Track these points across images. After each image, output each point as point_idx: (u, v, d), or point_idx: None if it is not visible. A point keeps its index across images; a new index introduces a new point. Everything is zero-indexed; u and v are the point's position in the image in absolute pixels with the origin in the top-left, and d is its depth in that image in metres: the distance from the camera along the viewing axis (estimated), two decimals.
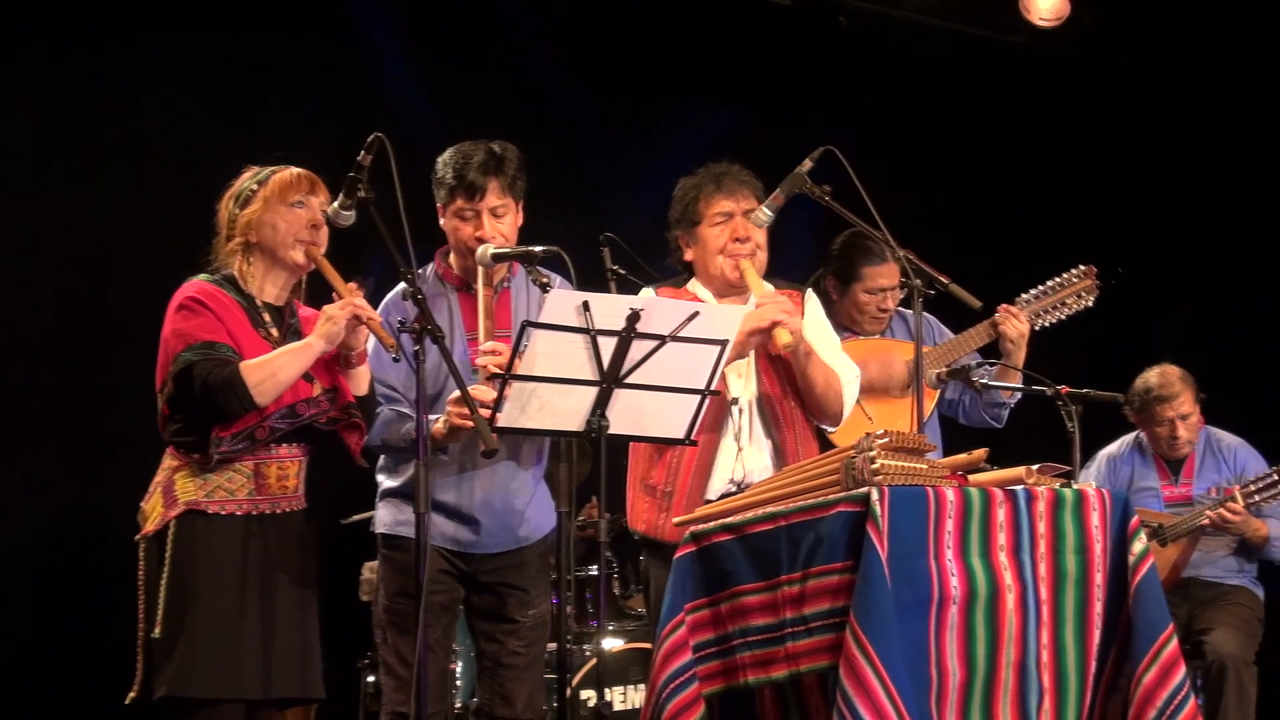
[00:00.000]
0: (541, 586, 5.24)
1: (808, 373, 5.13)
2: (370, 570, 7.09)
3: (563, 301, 4.43)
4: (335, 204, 4.62)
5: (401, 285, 4.84)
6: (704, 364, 4.61)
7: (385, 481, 5.23)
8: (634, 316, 4.44)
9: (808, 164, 5.10)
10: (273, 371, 4.49)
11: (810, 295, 5.36)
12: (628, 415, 4.59)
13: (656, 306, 4.52)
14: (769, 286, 5.15)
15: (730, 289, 5.26)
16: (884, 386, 5.84)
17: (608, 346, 4.47)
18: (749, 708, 4.46)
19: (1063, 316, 6.10)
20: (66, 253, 7.17)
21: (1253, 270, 8.59)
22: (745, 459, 5.18)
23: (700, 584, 4.34)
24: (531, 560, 5.18)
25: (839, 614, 4.02)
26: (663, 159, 8.19)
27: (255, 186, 4.68)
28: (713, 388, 4.67)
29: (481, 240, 5.03)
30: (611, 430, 4.57)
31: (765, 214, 5.14)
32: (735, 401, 5.14)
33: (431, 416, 4.79)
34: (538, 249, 4.90)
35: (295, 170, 4.73)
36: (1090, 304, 6.12)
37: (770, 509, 4.27)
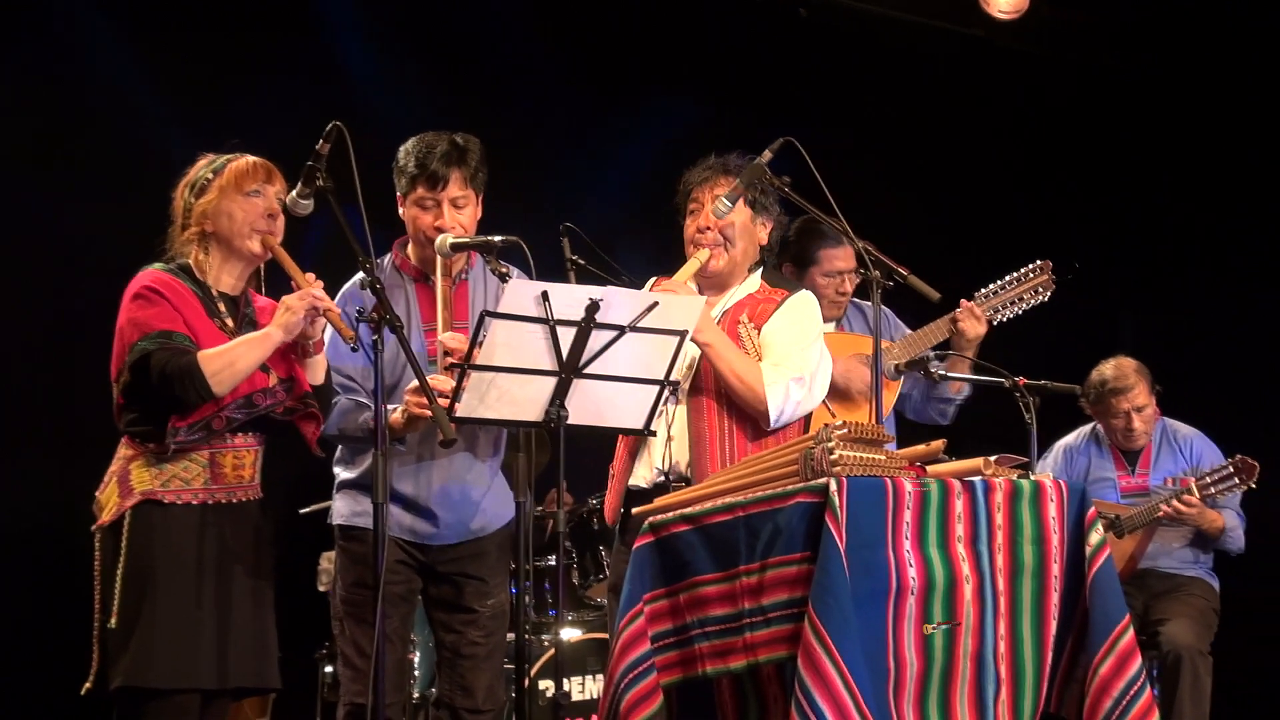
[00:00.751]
0: (500, 576, 5.24)
1: (715, 368, 5.13)
2: (328, 561, 7.08)
3: (521, 292, 4.43)
4: (293, 193, 4.61)
5: (359, 275, 4.82)
6: (663, 354, 4.62)
7: (342, 473, 5.22)
8: (593, 307, 4.45)
9: (767, 155, 5.11)
10: (230, 361, 4.48)
11: (790, 301, 5.31)
12: (587, 405, 4.59)
13: (615, 297, 4.52)
14: (693, 285, 5.18)
15: (706, 279, 5.27)
16: (844, 386, 5.83)
17: (566, 337, 4.47)
18: (707, 698, 4.46)
19: (1019, 311, 6.12)
20: (28, 245, 7.12)
21: (1211, 262, 8.64)
22: (675, 449, 5.20)
23: (659, 574, 4.35)
24: (490, 550, 5.17)
25: (797, 604, 4.02)
26: (622, 150, 8.22)
27: (211, 175, 4.66)
28: (672, 378, 4.68)
29: (441, 230, 5.03)
30: (570, 420, 4.56)
31: (724, 205, 5.14)
32: (678, 385, 5.12)
33: (390, 406, 4.78)
34: (497, 239, 4.90)
35: (251, 159, 4.71)
36: (1046, 299, 6.13)
37: (729, 499, 4.27)
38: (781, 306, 5.28)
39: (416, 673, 6.76)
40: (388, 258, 5.23)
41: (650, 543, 4.36)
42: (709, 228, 5.25)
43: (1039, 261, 6.12)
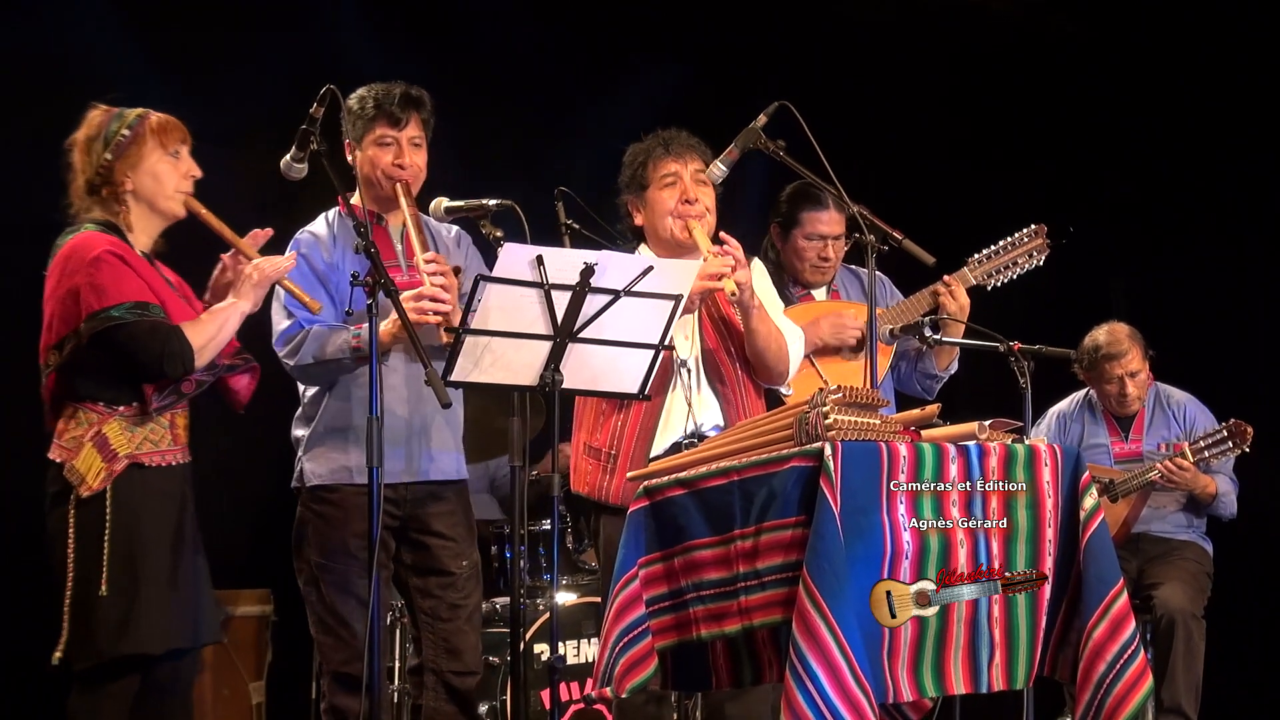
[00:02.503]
0: (469, 538, 5.26)
1: (754, 326, 5.12)
2: None
3: (516, 256, 4.42)
4: (287, 156, 4.60)
5: (313, 225, 4.99)
6: (658, 319, 4.62)
7: (305, 431, 5.23)
8: (588, 271, 4.45)
9: (762, 119, 5.11)
10: (213, 335, 4.54)
11: (756, 263, 5.33)
12: (582, 370, 4.59)
13: (610, 261, 4.52)
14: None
15: (680, 251, 5.24)
16: (837, 347, 5.83)
17: (561, 301, 4.47)
18: (702, 661, 4.47)
19: (1014, 276, 6.11)
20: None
21: (1203, 228, 8.62)
22: (696, 414, 5.18)
23: (653, 538, 4.35)
24: (455, 508, 5.18)
25: (792, 568, 4.02)
26: (615, 115, 8.20)
27: (126, 132, 4.59)
28: (666, 342, 4.67)
29: (401, 167, 5.09)
30: (565, 385, 4.57)
31: (720, 169, 5.14)
32: (684, 363, 5.13)
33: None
34: (491, 202, 4.91)
35: (168, 118, 4.68)
36: (1040, 263, 6.12)
37: (723, 464, 4.27)
38: (751, 273, 5.28)
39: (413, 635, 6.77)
40: (332, 212, 5.22)
41: (645, 507, 4.36)
42: (696, 199, 5.22)
43: (1033, 225, 6.11)
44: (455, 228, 5.36)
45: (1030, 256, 6.10)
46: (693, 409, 5.19)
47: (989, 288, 6.05)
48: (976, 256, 6.06)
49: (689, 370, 5.17)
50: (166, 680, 4.61)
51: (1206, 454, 6.70)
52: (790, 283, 6.01)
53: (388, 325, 4.85)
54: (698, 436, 5.12)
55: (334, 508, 5.08)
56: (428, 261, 4.91)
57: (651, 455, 5.14)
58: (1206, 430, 6.87)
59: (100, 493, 4.46)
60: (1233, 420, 6.71)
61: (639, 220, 5.33)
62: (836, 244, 6.01)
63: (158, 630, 4.47)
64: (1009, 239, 6.09)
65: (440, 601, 5.17)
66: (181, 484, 4.66)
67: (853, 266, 6.19)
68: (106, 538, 4.45)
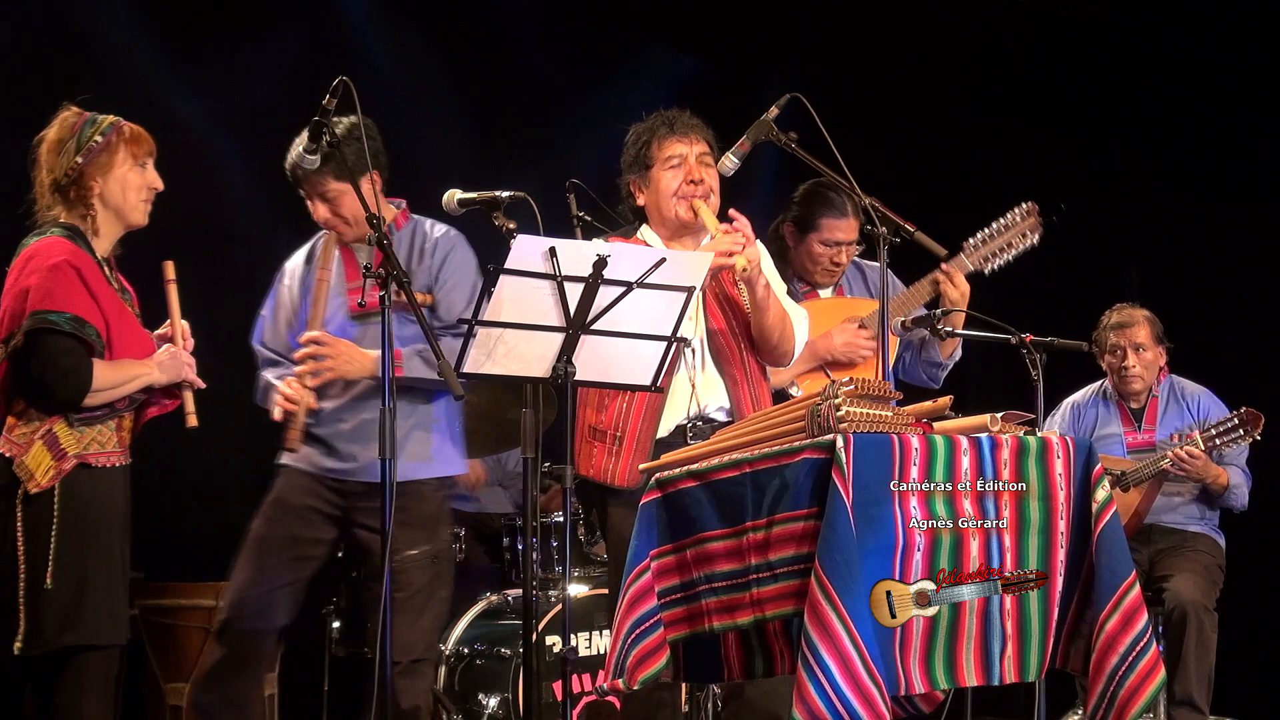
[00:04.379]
0: (413, 531, 5.35)
1: (764, 304, 5.13)
2: None
3: (529, 247, 4.43)
4: (300, 148, 4.62)
5: (300, 252, 5.28)
6: (670, 311, 4.62)
7: None
8: (601, 263, 4.45)
9: (774, 111, 5.11)
10: (117, 383, 4.65)
11: (760, 245, 5.35)
12: (594, 361, 4.60)
13: (623, 253, 4.53)
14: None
15: (683, 231, 5.26)
16: (847, 359, 5.86)
17: (574, 292, 4.47)
18: (713, 653, 4.48)
19: (1011, 258, 6.04)
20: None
21: (1220, 219, 8.62)
22: (700, 395, 5.20)
23: (665, 530, 4.35)
24: (407, 505, 5.22)
25: (804, 560, 4.03)
26: (626, 106, 8.21)
27: (99, 139, 4.67)
28: (680, 334, 4.68)
29: (328, 224, 5.37)
30: (578, 376, 4.58)
31: (732, 161, 5.15)
32: (687, 342, 5.12)
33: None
34: (504, 194, 4.91)
35: (138, 128, 4.77)
36: (1035, 242, 6.06)
37: (735, 456, 4.28)
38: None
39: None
40: (321, 235, 5.47)
41: (657, 499, 4.37)
42: (701, 179, 5.22)
43: (1024, 204, 6.06)
44: (445, 237, 5.48)
45: (1024, 236, 6.03)
46: (696, 390, 5.21)
47: (987, 271, 6.02)
48: (971, 241, 6.02)
49: (693, 351, 5.17)
50: (108, 671, 4.71)
51: (1218, 441, 6.70)
52: (795, 279, 6.02)
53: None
54: (702, 419, 5.16)
55: (282, 479, 5.41)
56: (305, 342, 5.19)
57: (657, 437, 5.17)
58: (1219, 419, 6.87)
59: (49, 489, 4.55)
60: (1244, 408, 6.70)
61: (641, 200, 5.33)
62: (850, 249, 6.02)
63: (105, 622, 4.58)
64: (1001, 221, 6.02)
65: (372, 594, 5.30)
66: (124, 484, 4.77)
67: (857, 259, 6.19)
68: (54, 533, 4.53)
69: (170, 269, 4.95)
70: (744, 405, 5.15)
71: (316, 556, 5.47)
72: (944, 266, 5.90)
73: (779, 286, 5.36)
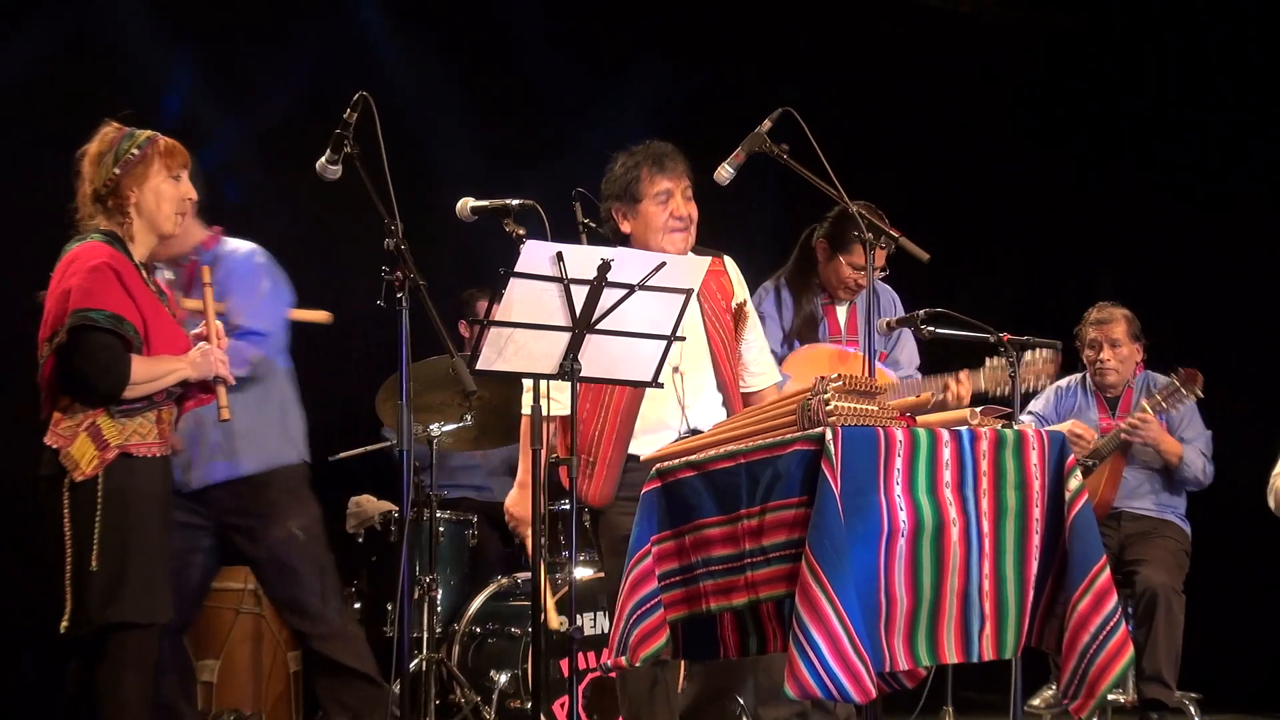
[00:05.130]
0: (272, 514, 5.58)
1: None
2: (355, 504, 7.11)
3: (538, 252, 4.44)
4: (322, 159, 4.63)
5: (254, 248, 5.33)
6: (669, 311, 4.64)
7: None
8: (605, 266, 4.47)
9: (767, 124, 5.12)
10: (153, 378, 4.66)
11: (735, 267, 5.42)
12: (599, 359, 4.61)
13: (626, 257, 4.55)
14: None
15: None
16: None
17: (580, 294, 4.48)
18: (710, 632, 4.49)
19: (1015, 388, 5.93)
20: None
21: (1191, 225, 8.62)
22: (690, 416, 5.30)
23: (665, 517, 4.37)
24: (244, 495, 5.45)
25: (795, 545, 4.04)
26: (628, 120, 8.22)
27: (135, 151, 4.72)
28: (678, 333, 4.70)
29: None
30: (584, 373, 4.59)
31: (728, 171, 5.16)
32: (675, 368, 5.17)
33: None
34: (514, 202, 4.92)
35: (173, 142, 4.80)
36: (1045, 385, 6.04)
37: (731, 447, 4.29)
38: (730, 271, 5.47)
39: (440, 608, 6.81)
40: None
41: (658, 488, 4.38)
42: (686, 215, 5.30)
43: (1048, 350, 5.97)
44: (236, 254, 5.61)
45: (1038, 378, 6.01)
46: (686, 410, 5.29)
47: (991, 394, 5.95)
48: (991, 363, 5.95)
49: (680, 375, 5.22)
50: (148, 650, 4.74)
51: (1165, 404, 6.72)
52: (819, 292, 6.08)
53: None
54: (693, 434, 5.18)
55: None
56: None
57: (642, 458, 5.16)
58: (1181, 408, 6.93)
59: (92, 478, 4.57)
60: (1182, 369, 6.73)
61: (627, 228, 5.37)
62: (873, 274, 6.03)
63: (144, 602, 4.61)
64: (1028, 356, 5.91)
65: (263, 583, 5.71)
66: (164, 473, 4.81)
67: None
68: (98, 518, 4.56)
69: (207, 273, 5.02)
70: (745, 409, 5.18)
71: (197, 564, 5.59)
72: (960, 375, 5.86)
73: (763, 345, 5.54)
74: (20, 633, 6.66)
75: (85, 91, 6.91)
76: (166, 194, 4.73)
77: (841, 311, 6.13)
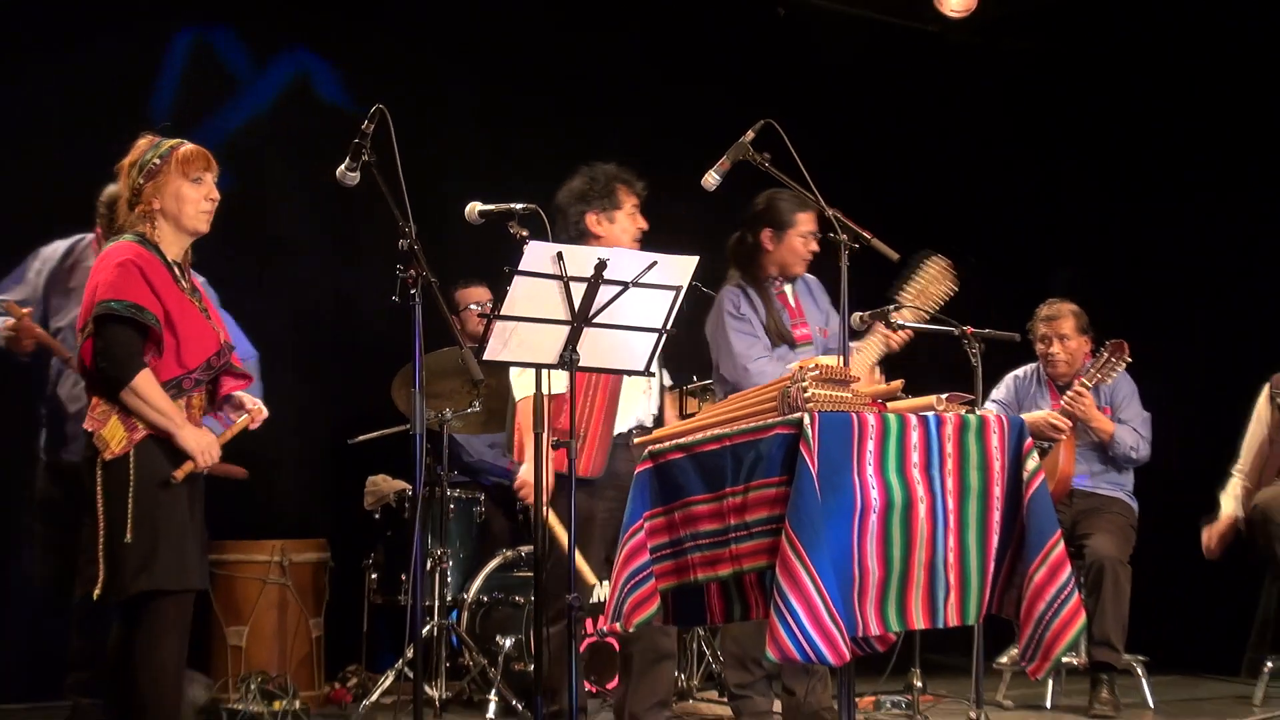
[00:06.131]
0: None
1: None
2: (372, 483, 7.11)
3: (540, 252, 4.45)
4: (342, 166, 4.62)
5: (60, 245, 5.21)
6: (661, 306, 4.64)
7: None
8: (601, 265, 4.47)
9: (750, 134, 5.12)
10: (148, 405, 4.56)
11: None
12: (596, 350, 4.62)
13: (620, 257, 4.55)
14: None
15: None
16: None
17: (578, 291, 4.49)
18: (698, 600, 4.49)
19: (938, 304, 5.92)
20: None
21: (1137, 228, 8.63)
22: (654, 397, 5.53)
23: (657, 495, 4.37)
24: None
25: (775, 521, 4.04)
26: (623, 132, 8.23)
27: (158, 160, 4.69)
28: (668, 327, 4.70)
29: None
30: (582, 363, 4.60)
31: (714, 178, 5.15)
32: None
33: None
34: (518, 206, 4.94)
35: (194, 147, 4.76)
36: (955, 288, 5.94)
37: (717, 431, 4.29)
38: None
39: (450, 578, 6.81)
40: (86, 237, 5.54)
41: (650, 468, 4.38)
42: (642, 227, 5.57)
43: (933, 259, 5.88)
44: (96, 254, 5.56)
45: (940, 283, 5.92)
46: (650, 395, 5.51)
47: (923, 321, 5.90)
48: (901, 309, 5.87)
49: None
50: (182, 615, 4.71)
51: (1098, 375, 6.72)
52: (775, 279, 6.00)
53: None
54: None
55: None
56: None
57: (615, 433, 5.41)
58: (1125, 396, 6.95)
59: (124, 456, 4.55)
60: (1110, 341, 6.73)
61: (600, 232, 5.48)
62: (816, 237, 6.02)
63: (174, 571, 4.57)
64: (917, 276, 5.78)
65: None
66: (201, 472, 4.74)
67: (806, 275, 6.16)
68: (130, 494, 4.53)
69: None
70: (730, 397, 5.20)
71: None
72: (884, 330, 5.80)
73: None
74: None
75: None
76: (188, 196, 4.68)
77: (789, 292, 6.08)
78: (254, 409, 4.87)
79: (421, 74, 7.80)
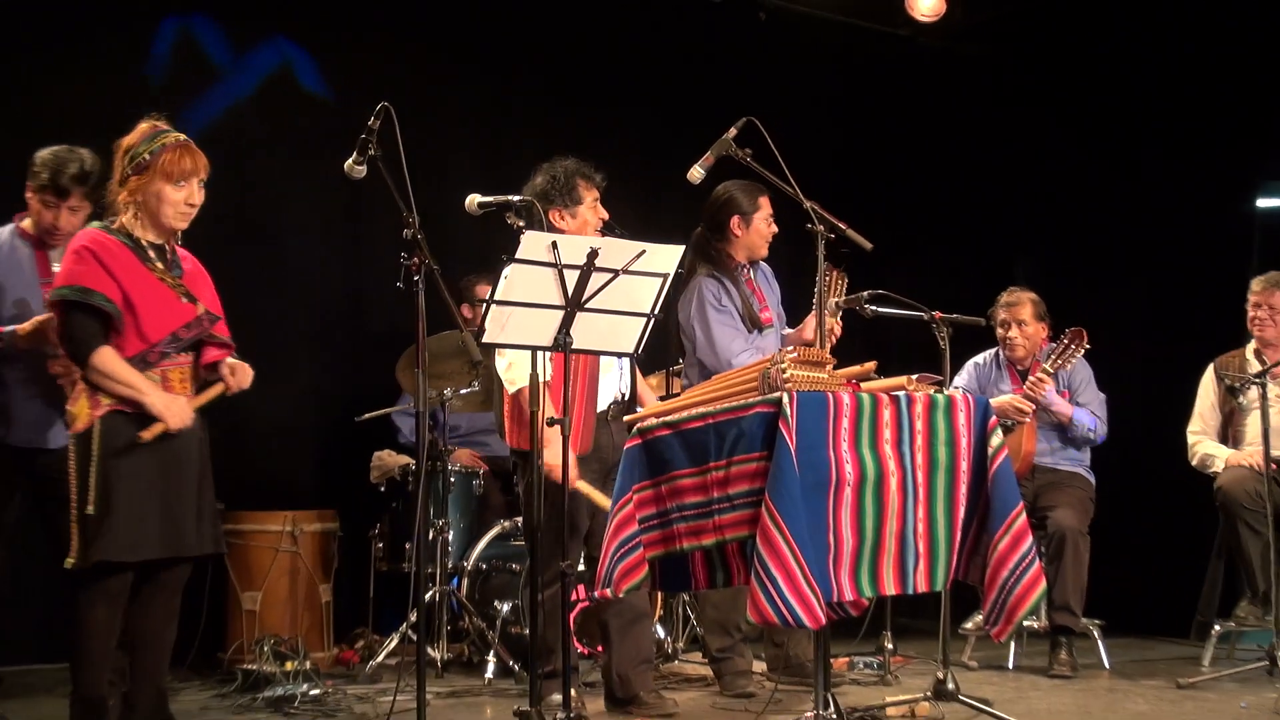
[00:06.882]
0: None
1: None
2: (377, 458, 7.10)
3: (536, 241, 4.44)
4: (350, 160, 4.59)
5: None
6: (649, 292, 4.63)
7: None
8: (593, 254, 4.47)
9: (732, 131, 5.11)
10: (113, 378, 4.48)
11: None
12: (588, 333, 4.61)
13: (610, 246, 4.54)
14: None
15: None
16: None
17: (571, 278, 4.48)
18: (683, 568, 4.50)
19: (840, 302, 5.88)
20: None
21: (1092, 219, 8.63)
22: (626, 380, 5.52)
23: (645, 470, 4.37)
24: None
25: (756, 494, 4.05)
26: (615, 128, 8.20)
27: (148, 156, 4.59)
28: (656, 312, 4.69)
29: (57, 227, 5.19)
30: (575, 345, 4.59)
31: (699, 172, 5.15)
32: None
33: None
34: (515, 198, 4.95)
35: (183, 150, 4.62)
36: (845, 281, 5.91)
37: (701, 409, 4.30)
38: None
39: (451, 547, 6.80)
40: (10, 226, 5.31)
41: (639, 444, 4.39)
42: (604, 219, 5.51)
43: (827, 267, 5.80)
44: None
45: (839, 281, 5.88)
46: (623, 371, 5.51)
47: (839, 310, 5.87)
48: (833, 303, 5.83)
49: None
50: (152, 583, 4.63)
51: (1059, 361, 6.72)
52: (744, 266, 5.99)
53: (27, 326, 4.94)
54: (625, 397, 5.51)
55: None
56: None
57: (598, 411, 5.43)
58: (1083, 380, 6.95)
59: (89, 430, 4.48)
60: (1069, 329, 6.73)
61: (563, 226, 5.42)
62: (773, 219, 6.01)
63: (124, 544, 4.44)
64: (820, 281, 5.78)
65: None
66: (173, 433, 4.57)
67: (764, 264, 6.14)
68: (93, 468, 4.45)
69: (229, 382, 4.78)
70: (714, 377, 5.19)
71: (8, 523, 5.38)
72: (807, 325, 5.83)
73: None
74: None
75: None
76: (168, 198, 4.58)
77: (755, 279, 6.07)
78: (229, 375, 4.73)
79: (401, 63, 7.72)
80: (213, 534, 4.72)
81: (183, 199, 4.62)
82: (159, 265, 4.61)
